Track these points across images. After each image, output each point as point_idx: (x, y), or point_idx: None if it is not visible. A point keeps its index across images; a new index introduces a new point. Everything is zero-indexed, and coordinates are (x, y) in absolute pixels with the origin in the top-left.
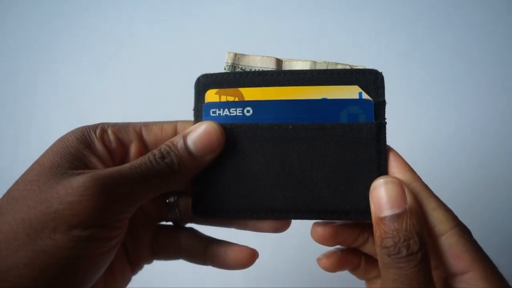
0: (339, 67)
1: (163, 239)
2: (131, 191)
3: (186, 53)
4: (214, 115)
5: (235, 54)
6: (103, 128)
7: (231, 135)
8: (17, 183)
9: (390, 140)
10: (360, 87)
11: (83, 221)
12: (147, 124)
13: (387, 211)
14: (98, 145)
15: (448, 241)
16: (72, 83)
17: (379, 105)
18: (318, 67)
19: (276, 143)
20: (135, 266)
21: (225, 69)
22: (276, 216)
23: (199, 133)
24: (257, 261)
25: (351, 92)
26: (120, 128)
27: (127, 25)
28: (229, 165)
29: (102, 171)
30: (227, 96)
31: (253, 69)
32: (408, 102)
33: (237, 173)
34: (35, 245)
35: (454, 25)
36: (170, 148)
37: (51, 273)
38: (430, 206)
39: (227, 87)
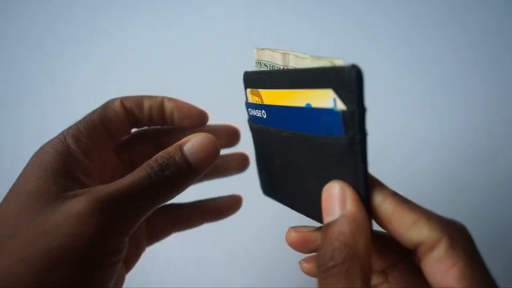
0: (306, 61)
1: (156, 223)
2: (134, 209)
3: (190, 54)
4: (251, 114)
5: (258, 50)
6: (75, 137)
7: (260, 134)
8: (1, 217)
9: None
10: (334, 90)
11: (91, 252)
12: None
13: (327, 218)
14: (78, 156)
15: (436, 255)
16: (74, 84)
17: (351, 115)
18: (291, 60)
19: (281, 146)
20: (131, 264)
21: (255, 66)
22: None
23: (196, 145)
24: (256, 261)
25: (325, 97)
26: (90, 133)
27: (131, 25)
28: (265, 159)
29: (100, 191)
30: (254, 96)
31: (272, 65)
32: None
33: (269, 167)
34: (40, 284)
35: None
36: (168, 159)
37: None
38: (408, 223)
39: (252, 88)
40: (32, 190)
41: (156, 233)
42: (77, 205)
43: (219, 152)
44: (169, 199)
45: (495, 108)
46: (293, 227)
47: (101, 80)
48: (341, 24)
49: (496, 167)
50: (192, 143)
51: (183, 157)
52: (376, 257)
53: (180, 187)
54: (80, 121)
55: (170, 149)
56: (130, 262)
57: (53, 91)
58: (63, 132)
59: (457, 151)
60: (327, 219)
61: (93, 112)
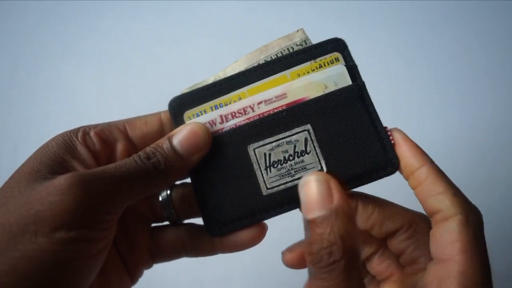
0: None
1: (163, 239)
2: (115, 190)
3: (186, 52)
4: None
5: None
6: (84, 131)
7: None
8: None
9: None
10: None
11: (66, 222)
12: (130, 121)
13: (312, 213)
14: (80, 148)
15: (447, 226)
16: (72, 82)
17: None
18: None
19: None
20: (134, 273)
21: None
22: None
23: (184, 133)
24: (255, 261)
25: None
26: (103, 129)
27: (127, 24)
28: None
29: (86, 170)
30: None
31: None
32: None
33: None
34: (15, 251)
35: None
36: (155, 149)
37: (36, 280)
38: (436, 191)
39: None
40: (26, 169)
41: (163, 251)
42: (60, 178)
43: (208, 139)
44: (159, 187)
45: (503, 108)
46: (287, 249)
47: (100, 79)
48: (345, 24)
49: (501, 167)
50: (180, 132)
51: (171, 146)
52: (381, 224)
53: (168, 175)
54: (106, 122)
55: (160, 140)
56: (133, 268)
57: (52, 91)
58: (82, 126)
59: (462, 151)
60: (311, 214)
61: (122, 120)
